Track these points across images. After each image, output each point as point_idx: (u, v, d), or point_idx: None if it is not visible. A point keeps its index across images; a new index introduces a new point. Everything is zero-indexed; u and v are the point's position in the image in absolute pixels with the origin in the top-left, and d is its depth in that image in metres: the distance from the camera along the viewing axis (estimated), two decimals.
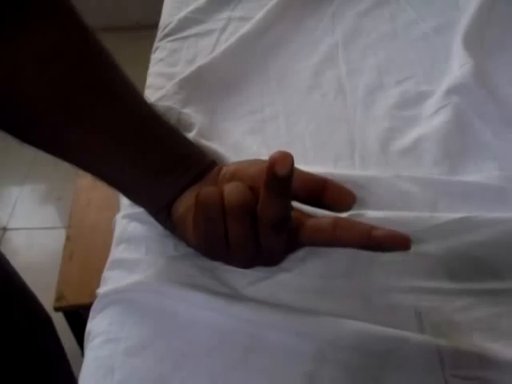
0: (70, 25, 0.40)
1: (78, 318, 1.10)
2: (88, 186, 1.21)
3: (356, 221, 0.40)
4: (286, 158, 0.33)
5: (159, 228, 0.46)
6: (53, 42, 0.38)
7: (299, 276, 0.43)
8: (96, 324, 0.42)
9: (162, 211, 0.44)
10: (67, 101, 0.39)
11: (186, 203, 0.41)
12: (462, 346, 0.37)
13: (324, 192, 0.40)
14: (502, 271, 0.42)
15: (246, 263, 0.42)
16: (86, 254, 1.11)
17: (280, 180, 0.34)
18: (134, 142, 0.42)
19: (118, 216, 0.50)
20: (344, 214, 0.42)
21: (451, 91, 0.58)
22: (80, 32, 0.40)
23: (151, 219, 0.46)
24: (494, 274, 0.42)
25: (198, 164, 0.44)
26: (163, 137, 0.43)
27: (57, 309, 1.04)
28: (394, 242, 0.36)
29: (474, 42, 0.64)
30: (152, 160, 0.42)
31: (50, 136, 0.41)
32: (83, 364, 0.40)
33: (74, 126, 0.40)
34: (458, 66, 0.61)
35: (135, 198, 0.46)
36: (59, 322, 1.06)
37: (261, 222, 0.38)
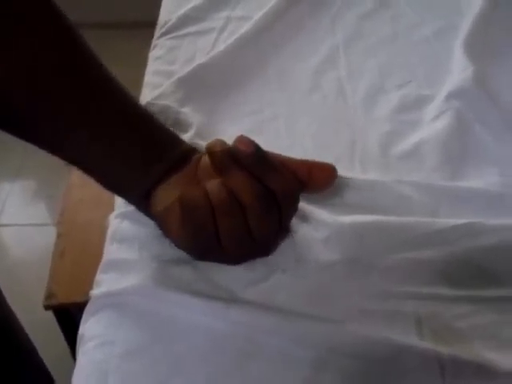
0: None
1: (68, 317, 1.09)
2: (80, 183, 1.19)
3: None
4: (245, 139, 0.38)
5: (152, 227, 0.45)
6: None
7: (295, 278, 0.42)
8: (89, 327, 0.41)
9: (141, 202, 0.43)
10: (41, 87, 0.38)
11: (163, 201, 0.40)
12: (462, 355, 0.36)
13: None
14: (503, 278, 0.41)
15: (239, 258, 0.41)
16: (77, 251, 1.09)
17: (249, 157, 0.38)
18: (106, 129, 0.41)
19: (112, 215, 0.50)
20: (346, 219, 0.41)
21: (452, 96, 0.57)
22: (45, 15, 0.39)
23: (144, 218, 0.46)
24: (495, 281, 0.41)
25: (172, 152, 0.42)
26: (136, 124, 0.42)
27: (47, 307, 1.02)
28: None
29: (475, 46, 0.64)
30: (123, 148, 0.41)
31: (31, 128, 0.40)
32: (76, 368, 0.39)
33: (48, 116, 0.39)
34: (458, 70, 0.61)
35: (115, 190, 0.45)
36: (49, 320, 1.05)
37: (250, 207, 0.38)
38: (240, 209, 0.37)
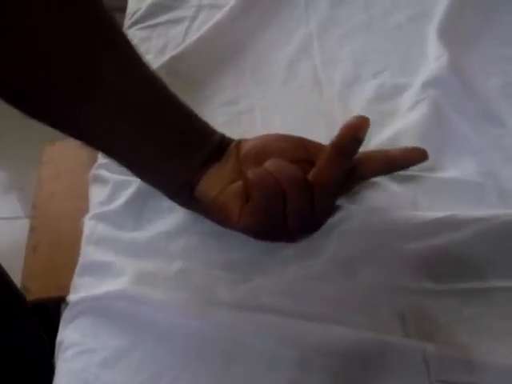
0: None
1: (44, 311, 1.07)
2: (51, 175, 1.17)
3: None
4: (365, 121, 0.36)
5: (128, 228, 0.44)
6: None
7: (279, 279, 0.42)
8: (68, 334, 0.40)
9: (182, 190, 0.41)
10: (81, 64, 0.35)
11: (215, 187, 0.39)
12: (447, 350, 0.36)
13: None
14: (485, 270, 0.41)
15: (301, 234, 0.41)
16: (51, 245, 1.07)
17: (357, 144, 0.36)
18: (148, 116, 0.39)
19: (87, 217, 0.48)
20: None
21: (428, 84, 0.57)
22: None
23: (120, 219, 0.44)
24: (478, 273, 0.41)
25: (212, 138, 0.41)
26: (176, 110, 0.40)
27: None
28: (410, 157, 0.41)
29: (449, 32, 0.64)
30: (167, 134, 0.40)
31: (62, 109, 0.37)
32: (55, 377, 0.38)
33: (86, 98, 0.36)
34: (433, 57, 0.60)
35: (152, 178, 0.43)
36: None
37: (321, 186, 0.38)
38: (310, 186, 0.37)
